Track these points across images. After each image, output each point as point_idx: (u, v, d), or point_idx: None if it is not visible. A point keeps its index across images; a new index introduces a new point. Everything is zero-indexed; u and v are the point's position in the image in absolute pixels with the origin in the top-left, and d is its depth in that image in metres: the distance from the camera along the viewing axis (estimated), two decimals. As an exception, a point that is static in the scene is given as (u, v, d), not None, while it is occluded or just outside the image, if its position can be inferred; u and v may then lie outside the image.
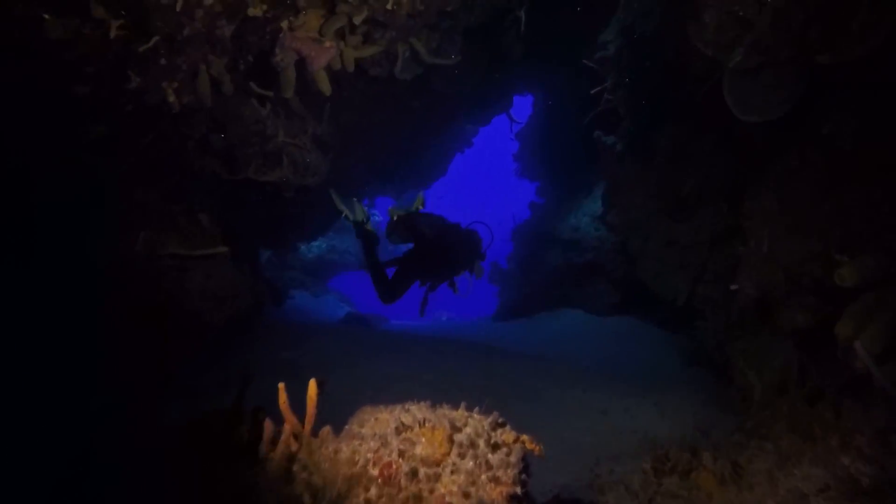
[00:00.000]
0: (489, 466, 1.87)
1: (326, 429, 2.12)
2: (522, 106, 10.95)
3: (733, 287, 4.74)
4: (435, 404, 2.15)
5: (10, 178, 3.86)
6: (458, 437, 1.88)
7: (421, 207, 6.68)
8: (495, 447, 1.94)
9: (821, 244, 3.99)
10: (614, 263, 8.87)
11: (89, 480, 2.83)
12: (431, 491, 1.80)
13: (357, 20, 4.18)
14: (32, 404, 3.92)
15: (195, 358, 5.51)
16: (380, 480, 1.85)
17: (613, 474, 4.30)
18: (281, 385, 2.16)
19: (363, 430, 2.02)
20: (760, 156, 4.99)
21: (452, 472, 1.84)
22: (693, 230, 5.75)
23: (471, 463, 1.85)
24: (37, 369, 4.08)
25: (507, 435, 2.00)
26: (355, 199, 6.96)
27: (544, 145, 10.35)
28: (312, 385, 2.08)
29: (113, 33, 3.06)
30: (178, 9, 3.17)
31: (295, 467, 2.07)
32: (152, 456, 2.42)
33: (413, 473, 1.83)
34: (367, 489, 1.87)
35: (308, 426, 2.12)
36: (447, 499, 1.78)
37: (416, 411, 2.05)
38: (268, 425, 2.10)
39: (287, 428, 2.07)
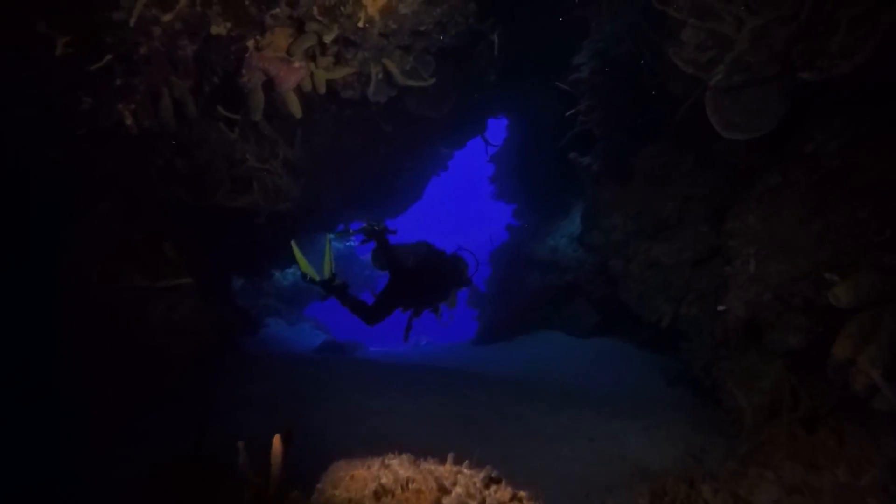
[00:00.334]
0: (485, 535, 1.60)
1: (294, 494, 1.83)
2: (497, 128, 10.86)
3: (721, 308, 4.58)
4: (418, 459, 1.88)
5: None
6: (446, 501, 1.61)
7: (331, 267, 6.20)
8: (490, 510, 1.67)
9: (809, 263, 3.85)
10: (594, 284, 8.70)
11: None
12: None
13: (327, 39, 3.96)
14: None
15: (160, 396, 5.13)
16: (358, 558, 1.57)
17: (605, 509, 4.05)
18: (240, 444, 1.86)
19: (337, 494, 1.74)
20: (742, 175, 4.89)
21: (443, 545, 1.57)
22: (675, 251, 5.61)
23: (463, 532, 1.58)
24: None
25: (502, 493, 1.74)
26: (328, 243, 6.52)
27: (520, 167, 10.22)
28: (276, 443, 1.79)
29: (60, 51, 2.78)
30: (131, 25, 2.91)
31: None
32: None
33: (397, 549, 1.56)
34: (343, 568, 1.59)
35: (273, 489, 1.83)
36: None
37: (398, 468, 1.78)
38: (227, 488, 1.80)
39: (248, 495, 1.77)
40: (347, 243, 14.00)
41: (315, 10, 3.90)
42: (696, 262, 5.63)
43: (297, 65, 4.06)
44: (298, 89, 4.50)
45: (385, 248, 6.11)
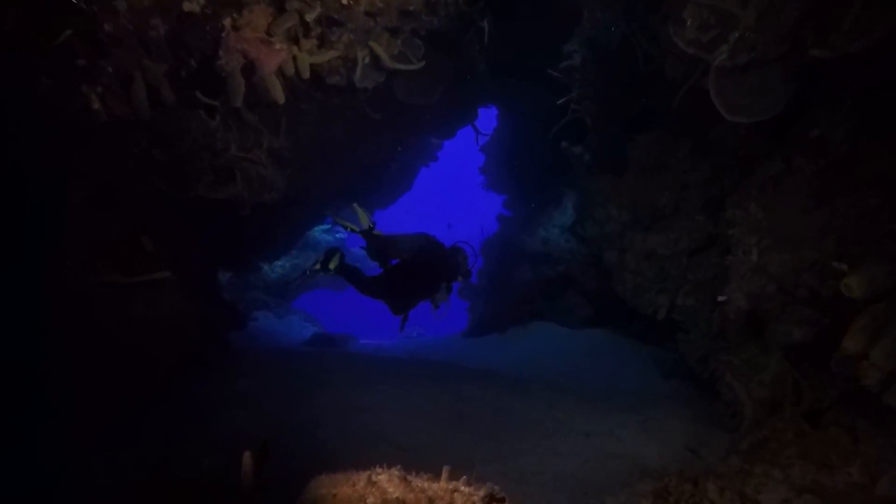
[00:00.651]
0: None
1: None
2: (487, 118, 10.60)
3: (721, 299, 4.40)
4: (409, 473, 1.65)
5: None
6: (442, 528, 1.40)
7: (367, 223, 6.28)
8: (492, 536, 1.45)
9: (814, 253, 3.67)
10: (586, 276, 8.52)
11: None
12: None
13: (309, 18, 3.70)
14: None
15: (143, 396, 4.87)
16: None
17: (605, 509, 3.87)
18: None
19: (318, 519, 1.51)
20: (741, 162, 4.70)
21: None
22: (671, 241, 5.42)
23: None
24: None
25: (506, 515, 1.52)
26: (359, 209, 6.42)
27: (511, 157, 9.99)
28: (247, 462, 1.55)
29: (10, 25, 2.51)
30: (92, -1, 2.64)
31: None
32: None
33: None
34: None
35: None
36: None
37: (386, 485, 1.56)
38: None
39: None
40: (338, 235, 13.72)
41: (296, -14, 3.64)
42: (693, 252, 5.45)
43: (278, 46, 3.79)
44: (281, 73, 4.23)
45: (375, 246, 5.97)
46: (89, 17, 2.77)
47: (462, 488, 1.53)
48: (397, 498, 1.43)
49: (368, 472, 1.63)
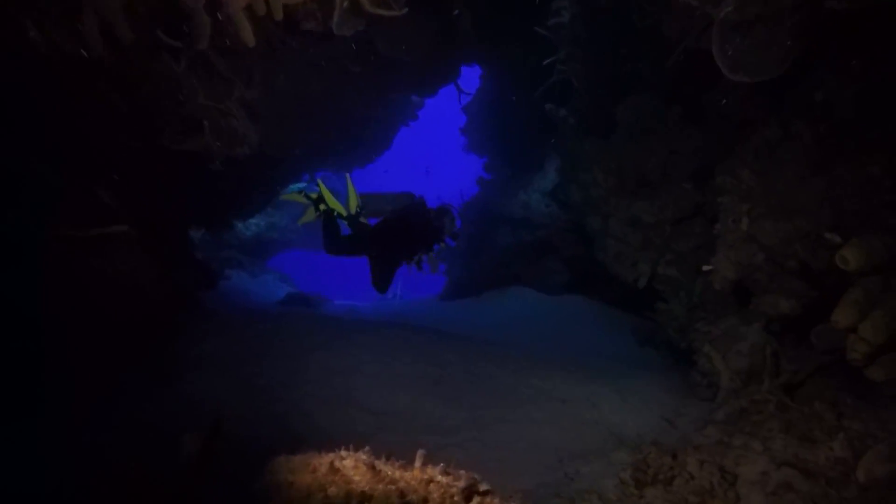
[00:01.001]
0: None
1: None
2: (470, 78, 10.18)
3: (706, 268, 4.24)
4: (377, 460, 1.43)
5: None
6: (415, 530, 1.18)
7: (357, 202, 6.00)
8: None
9: (809, 223, 3.50)
10: (566, 242, 8.35)
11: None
12: None
13: (281, -51, 3.31)
14: None
15: (101, 360, 4.57)
16: None
17: (582, 478, 3.75)
18: (186, 438, 1.38)
19: (271, 512, 1.29)
20: (736, 128, 4.48)
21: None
22: (657, 208, 5.23)
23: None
24: None
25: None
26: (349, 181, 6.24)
27: (493, 119, 9.65)
28: (188, 444, 1.31)
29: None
30: None
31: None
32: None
33: None
34: None
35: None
36: None
37: (352, 471, 1.35)
38: None
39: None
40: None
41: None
42: (678, 221, 5.27)
43: (246, -20, 3.40)
44: (250, 12, 3.84)
45: (334, 229, 5.89)
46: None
47: (438, 478, 1.32)
48: (362, 492, 1.21)
49: (332, 457, 1.40)
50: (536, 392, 5.26)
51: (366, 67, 7.33)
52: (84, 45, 3.46)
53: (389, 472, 1.32)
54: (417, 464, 1.38)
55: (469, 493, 1.32)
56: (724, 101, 4.60)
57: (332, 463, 1.36)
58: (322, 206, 6.01)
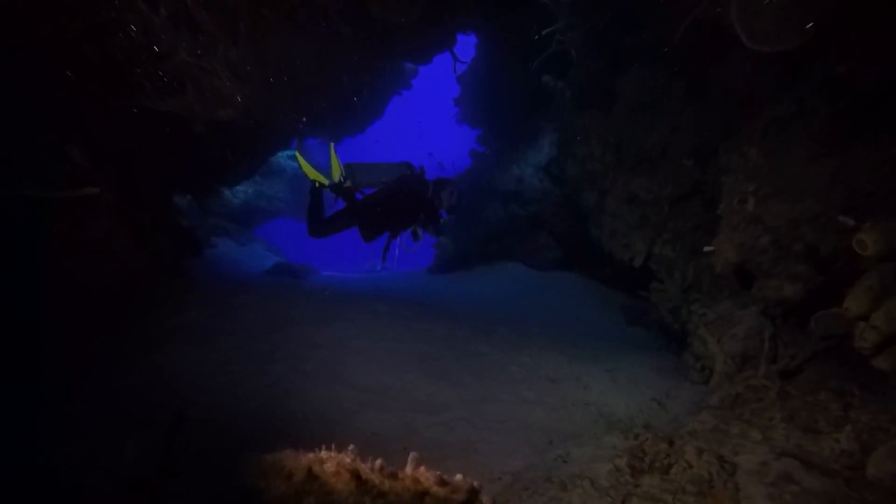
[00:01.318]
0: None
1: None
2: (465, 47, 9.79)
3: (708, 249, 4.05)
4: (362, 463, 1.22)
5: None
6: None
7: (338, 176, 5.81)
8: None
9: (819, 205, 3.30)
10: (558, 217, 8.14)
11: None
12: None
13: None
14: None
15: (73, 331, 4.31)
16: None
17: (572, 462, 3.61)
18: None
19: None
20: (742, 104, 4.24)
21: None
22: (655, 185, 5.01)
23: None
24: None
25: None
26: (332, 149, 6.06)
27: (487, 90, 9.31)
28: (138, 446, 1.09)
29: None
30: None
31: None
32: None
33: None
34: None
35: None
36: None
37: (332, 479, 1.14)
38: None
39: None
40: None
41: None
42: (676, 200, 5.06)
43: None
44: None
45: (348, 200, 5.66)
46: None
47: (434, 489, 1.11)
48: (345, 508, 0.99)
49: (310, 460, 1.18)
50: (526, 370, 5.10)
51: (357, 30, 6.96)
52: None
53: (376, 482, 1.11)
54: (409, 469, 1.17)
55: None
56: (732, 76, 4.35)
57: (310, 469, 1.15)
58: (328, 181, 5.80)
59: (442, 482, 1.18)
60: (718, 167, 4.21)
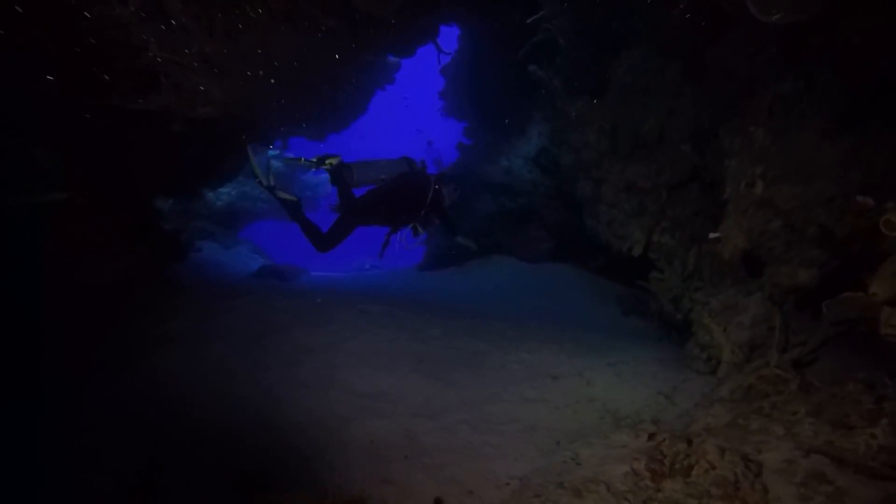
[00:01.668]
0: None
1: None
2: (449, 38, 9.51)
3: (713, 236, 3.84)
4: None
5: None
6: None
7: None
8: None
9: (834, 185, 3.11)
10: (549, 208, 7.93)
11: None
12: None
13: None
14: None
15: (50, 340, 4.00)
16: None
17: (584, 464, 3.39)
18: None
19: None
20: (743, 84, 4.04)
21: None
22: (653, 172, 4.80)
23: None
24: None
25: None
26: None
27: (473, 82, 9.04)
28: None
29: None
30: None
31: None
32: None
33: None
34: None
35: None
36: None
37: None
38: None
39: None
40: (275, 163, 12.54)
41: None
42: (675, 186, 4.86)
43: None
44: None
45: (341, 184, 5.50)
46: None
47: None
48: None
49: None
50: (526, 367, 4.88)
51: (339, 22, 6.66)
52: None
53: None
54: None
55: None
56: (730, 56, 4.14)
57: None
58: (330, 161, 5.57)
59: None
60: (720, 150, 4.01)
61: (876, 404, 2.53)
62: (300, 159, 5.78)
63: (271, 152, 7.33)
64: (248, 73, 6.22)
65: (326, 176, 5.82)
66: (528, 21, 7.21)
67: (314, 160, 5.55)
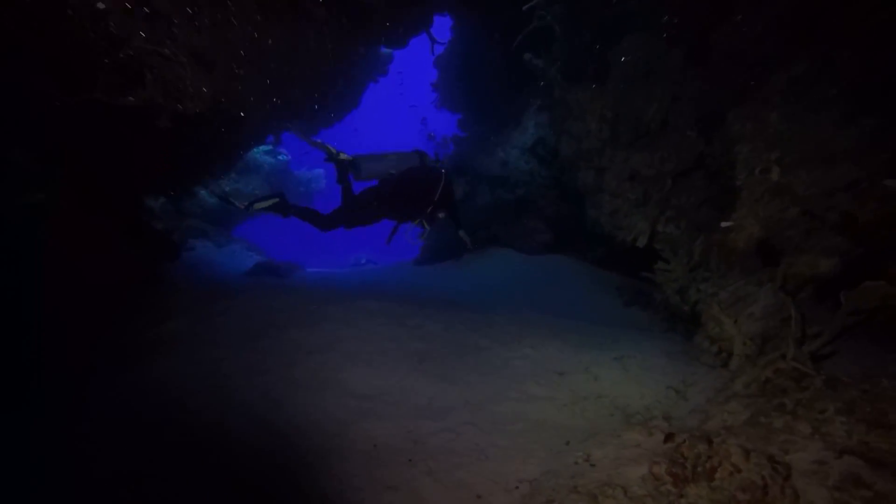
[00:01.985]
0: None
1: None
2: (442, 29, 9.24)
3: (725, 224, 3.64)
4: None
5: None
6: None
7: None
8: None
9: (857, 169, 2.91)
10: (546, 199, 7.72)
11: None
12: None
13: None
14: None
15: (35, 343, 3.76)
16: None
17: (598, 466, 3.20)
18: None
19: None
20: (751, 67, 3.83)
21: None
22: (657, 160, 4.59)
23: None
24: None
25: None
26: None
27: (467, 72, 8.79)
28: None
29: None
30: None
31: None
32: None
33: None
34: None
35: None
36: None
37: None
38: None
39: None
40: (280, 157, 12.25)
41: None
42: (679, 174, 4.65)
43: None
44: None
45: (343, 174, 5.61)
46: None
47: None
48: None
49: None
50: (531, 363, 4.68)
51: (330, 12, 6.40)
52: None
53: None
54: None
55: None
56: (737, 39, 3.93)
57: None
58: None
59: None
60: (730, 136, 3.80)
61: (915, 401, 2.34)
62: (327, 146, 5.79)
63: (264, 148, 7.22)
64: (237, 66, 5.95)
65: (320, 172, 5.74)
66: (524, 8, 6.97)
67: (334, 152, 5.62)
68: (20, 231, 3.30)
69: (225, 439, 3.51)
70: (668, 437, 2.86)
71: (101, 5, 3.80)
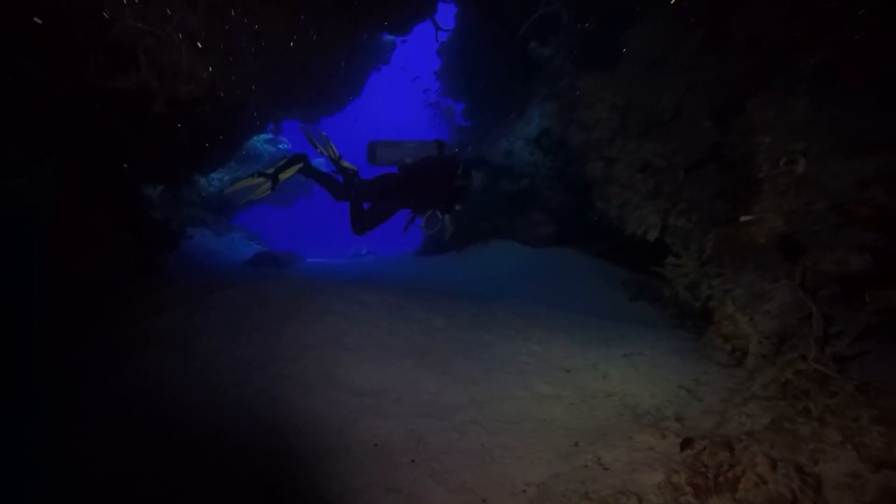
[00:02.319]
0: None
1: None
2: (445, 15, 8.96)
3: (745, 219, 3.43)
4: None
5: None
6: None
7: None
8: None
9: (892, 160, 2.69)
10: (550, 191, 7.49)
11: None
12: None
13: None
14: None
15: (23, 339, 3.56)
16: None
17: (609, 470, 3.01)
18: None
19: None
20: (773, 53, 3.59)
21: None
22: (669, 151, 4.37)
23: None
24: None
25: None
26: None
27: (471, 61, 8.53)
28: None
29: None
30: None
31: None
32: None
33: None
34: None
35: None
36: None
37: None
38: None
39: None
40: (281, 146, 12.00)
41: None
42: (692, 165, 4.43)
43: None
44: None
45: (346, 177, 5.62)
46: None
47: None
48: None
49: None
50: (537, 360, 4.48)
51: (331, -4, 6.16)
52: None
53: None
54: None
55: None
56: (759, 23, 3.69)
57: None
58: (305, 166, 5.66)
59: None
60: (750, 126, 3.57)
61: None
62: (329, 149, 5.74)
63: (265, 136, 7.08)
64: (234, 51, 5.71)
65: (321, 161, 5.62)
66: (529, -5, 6.72)
67: (336, 156, 5.64)
68: (18, 228, 3.08)
69: (223, 438, 3.33)
70: (687, 443, 2.68)
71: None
